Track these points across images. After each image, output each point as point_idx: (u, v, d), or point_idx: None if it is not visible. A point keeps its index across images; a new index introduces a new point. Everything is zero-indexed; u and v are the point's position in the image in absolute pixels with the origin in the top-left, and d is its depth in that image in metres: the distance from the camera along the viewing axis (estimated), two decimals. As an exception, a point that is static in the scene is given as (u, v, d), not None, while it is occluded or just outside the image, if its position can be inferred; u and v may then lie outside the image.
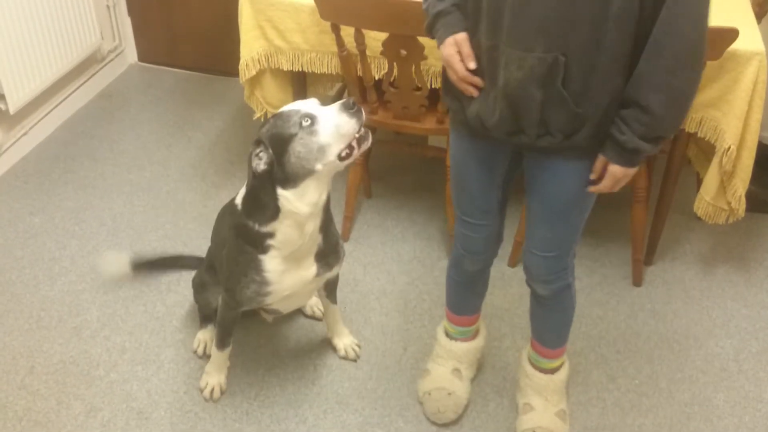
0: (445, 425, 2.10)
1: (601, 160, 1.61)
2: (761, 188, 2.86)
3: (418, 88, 2.38)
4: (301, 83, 2.67)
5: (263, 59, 2.48)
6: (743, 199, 2.31)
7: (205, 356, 2.26)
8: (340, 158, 1.71)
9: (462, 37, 1.61)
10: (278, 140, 1.69)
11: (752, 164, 2.28)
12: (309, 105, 1.73)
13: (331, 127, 1.67)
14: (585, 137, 1.58)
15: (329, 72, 2.49)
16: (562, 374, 2.08)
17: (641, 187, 2.44)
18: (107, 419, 2.10)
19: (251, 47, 2.46)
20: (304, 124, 1.67)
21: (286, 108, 1.74)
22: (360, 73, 2.39)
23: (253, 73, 2.49)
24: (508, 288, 2.54)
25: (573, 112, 1.54)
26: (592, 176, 1.65)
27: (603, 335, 2.39)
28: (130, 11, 3.74)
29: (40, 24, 3.05)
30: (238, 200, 1.86)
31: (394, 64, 2.32)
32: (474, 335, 2.18)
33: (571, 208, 1.74)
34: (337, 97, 3.16)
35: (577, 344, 2.35)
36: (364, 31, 2.26)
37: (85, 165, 3.12)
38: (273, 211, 1.76)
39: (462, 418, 2.11)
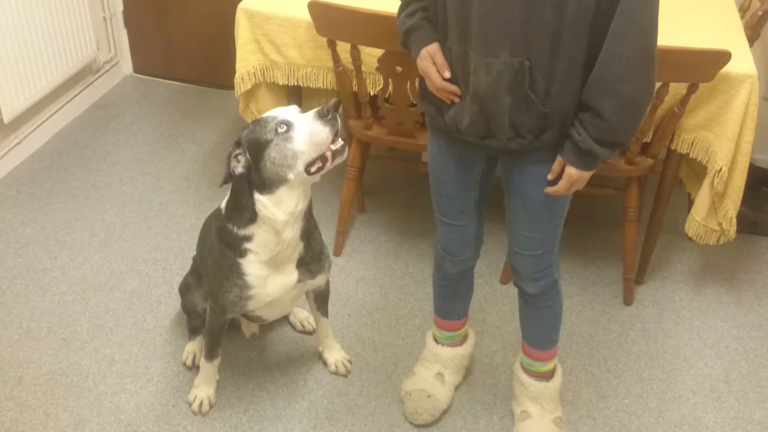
0: (434, 442, 2.09)
1: (558, 161, 1.68)
2: (752, 210, 2.88)
3: (413, 105, 2.39)
4: (296, 97, 2.68)
5: (259, 73, 2.49)
6: (734, 221, 2.33)
7: (194, 367, 2.25)
8: (308, 172, 1.71)
9: (434, 48, 1.69)
10: (255, 145, 1.71)
11: (743, 186, 2.29)
12: (287, 112, 1.74)
13: (305, 134, 1.68)
14: (553, 136, 1.66)
15: (325, 87, 2.50)
16: (557, 381, 2.10)
17: (633, 207, 2.45)
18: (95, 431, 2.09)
19: (247, 61, 2.47)
20: (280, 130, 1.69)
21: (265, 114, 1.76)
22: (355, 88, 2.40)
23: (249, 86, 2.50)
24: (500, 305, 2.55)
25: (541, 112, 1.61)
26: (549, 177, 1.71)
27: (593, 354, 2.39)
28: (127, 23, 3.75)
29: (37, 34, 3.06)
30: (223, 204, 1.88)
31: (390, 80, 2.33)
32: (461, 341, 2.20)
33: (550, 206, 1.79)
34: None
35: (568, 362, 2.35)
36: (360, 47, 2.27)
37: (78, 175, 3.11)
38: (251, 215, 1.78)
39: (452, 435, 2.11)
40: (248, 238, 1.82)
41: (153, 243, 2.77)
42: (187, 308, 2.27)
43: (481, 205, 1.95)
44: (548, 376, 2.09)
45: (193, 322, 2.28)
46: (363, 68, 2.33)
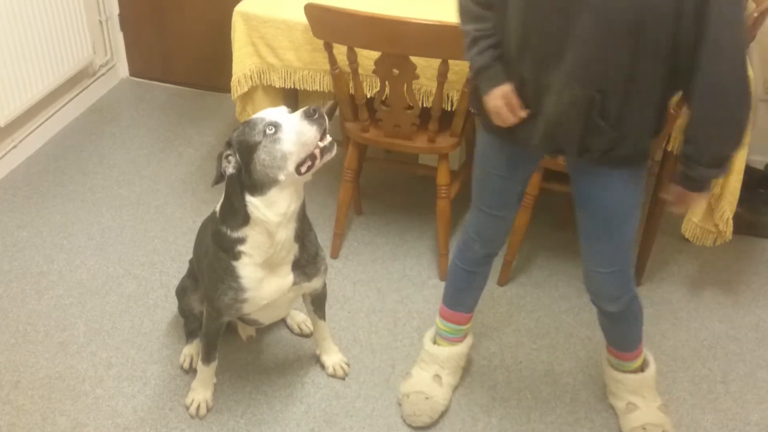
0: (432, 445, 2.09)
1: (677, 188, 1.68)
2: (749, 211, 2.88)
3: (410, 107, 2.39)
4: (292, 100, 2.68)
5: (255, 76, 2.49)
6: (731, 222, 2.33)
7: (192, 371, 2.24)
8: (299, 172, 1.72)
9: (508, 89, 1.67)
10: (245, 147, 1.71)
11: (740, 187, 2.30)
12: (276, 113, 1.74)
13: (293, 135, 1.69)
14: (627, 152, 1.67)
15: (321, 89, 2.50)
16: (652, 369, 2.14)
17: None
18: (92, 436, 2.08)
19: (244, 64, 2.47)
20: (268, 132, 1.69)
21: (254, 115, 1.76)
22: (352, 91, 2.40)
23: (245, 89, 2.50)
24: (497, 307, 2.55)
25: (612, 135, 1.62)
26: (673, 208, 1.74)
27: (591, 356, 2.39)
28: (123, 26, 3.75)
29: (33, 38, 3.06)
30: (217, 207, 1.88)
31: (386, 82, 2.34)
32: (462, 338, 2.21)
33: (626, 216, 1.80)
34: (329, 114, 3.17)
35: (566, 364, 2.35)
36: (357, 49, 2.27)
37: (75, 179, 3.11)
38: (243, 217, 1.78)
39: (450, 437, 2.11)
40: (242, 241, 1.82)
41: (150, 246, 2.77)
42: (184, 311, 2.26)
43: (522, 197, 1.98)
44: (640, 369, 2.13)
45: (190, 325, 2.27)
46: (360, 71, 2.33)
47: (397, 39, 2.17)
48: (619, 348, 2.10)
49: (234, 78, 2.48)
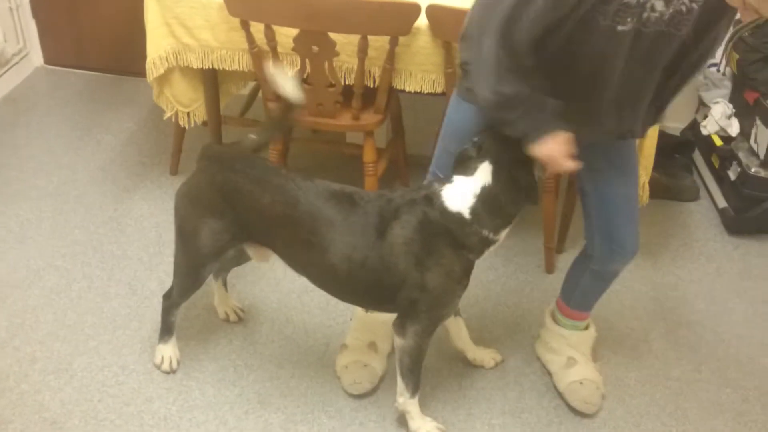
0: (366, 418, 2.11)
1: None
2: (665, 176, 2.99)
3: (332, 85, 2.38)
4: (212, 81, 2.63)
5: (171, 57, 2.44)
6: (647, 186, 2.42)
7: (172, 371, 2.20)
8: None
9: (569, 137, 1.62)
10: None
11: (654, 153, 2.38)
12: None
13: None
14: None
15: (241, 69, 2.47)
16: (593, 330, 2.23)
17: (551, 179, 2.51)
18: (19, 431, 2.02)
19: (158, 45, 2.42)
20: None
21: None
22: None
23: (161, 71, 2.45)
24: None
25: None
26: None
27: (519, 322, 2.44)
28: (35, 13, 3.62)
29: (-65, 25, 2.92)
30: (460, 208, 1.74)
31: (306, 60, 2.32)
32: None
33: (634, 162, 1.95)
34: (251, 96, 3.13)
35: (495, 332, 2.39)
36: (275, 27, 2.25)
37: (-11, 171, 3.00)
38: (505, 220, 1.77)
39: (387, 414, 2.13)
40: (495, 241, 1.79)
41: (70, 237, 2.69)
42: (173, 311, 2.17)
43: None
44: (585, 328, 2.22)
45: (171, 316, 2.18)
46: (279, 49, 2.31)
47: (315, 15, 2.16)
48: (578, 308, 2.16)
49: (149, 60, 2.43)
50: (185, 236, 1.97)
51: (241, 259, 2.22)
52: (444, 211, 1.74)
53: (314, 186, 1.86)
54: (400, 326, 1.88)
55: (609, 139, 1.81)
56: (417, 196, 1.79)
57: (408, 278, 1.78)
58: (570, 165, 1.62)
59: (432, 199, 1.76)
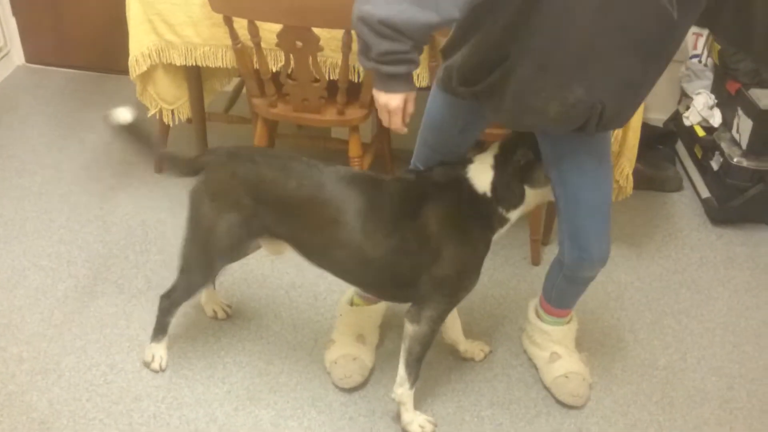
0: (356, 412, 2.11)
1: None
2: (648, 167, 3.01)
3: (317, 80, 2.38)
4: (195, 78, 2.62)
5: (154, 54, 2.43)
6: (630, 177, 2.43)
7: (161, 370, 2.19)
8: None
9: (413, 96, 1.70)
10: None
11: (637, 144, 2.39)
12: None
13: None
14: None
15: (225, 66, 2.46)
16: (575, 323, 2.22)
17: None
18: (6, 433, 2.02)
19: (141, 42, 2.41)
20: None
21: None
22: (256, 65, 2.37)
23: (144, 68, 2.44)
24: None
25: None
26: None
27: (506, 314, 2.46)
28: (15, 11, 3.60)
29: None
30: (484, 188, 1.85)
31: (291, 56, 2.32)
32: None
33: (603, 162, 1.87)
34: (236, 93, 3.12)
35: (482, 324, 2.41)
36: (258, 22, 2.24)
37: (-29, 172, 2.97)
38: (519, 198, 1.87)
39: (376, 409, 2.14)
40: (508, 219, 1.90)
41: (56, 236, 2.68)
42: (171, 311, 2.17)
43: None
44: (566, 323, 2.20)
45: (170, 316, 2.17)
46: (263, 45, 2.31)
47: (298, 10, 2.16)
48: (559, 306, 2.15)
49: (131, 57, 2.42)
50: (201, 232, 1.97)
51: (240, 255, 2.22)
52: (471, 190, 1.84)
53: (336, 170, 1.90)
54: (415, 313, 1.92)
55: (581, 120, 1.64)
56: (441, 178, 1.87)
57: (440, 256, 1.83)
58: (397, 125, 1.71)
59: (459, 180, 1.85)
